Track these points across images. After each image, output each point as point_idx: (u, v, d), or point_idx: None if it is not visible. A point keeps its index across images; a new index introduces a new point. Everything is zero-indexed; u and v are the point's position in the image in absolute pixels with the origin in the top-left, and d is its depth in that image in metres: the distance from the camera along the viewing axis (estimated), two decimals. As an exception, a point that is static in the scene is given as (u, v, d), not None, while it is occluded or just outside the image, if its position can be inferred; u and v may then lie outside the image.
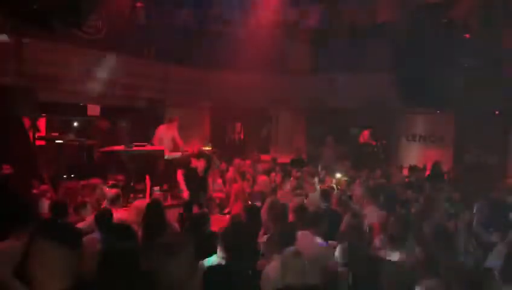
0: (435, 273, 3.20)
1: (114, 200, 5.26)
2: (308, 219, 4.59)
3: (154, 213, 4.47)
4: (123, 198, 6.29)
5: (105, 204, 5.21)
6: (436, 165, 10.14)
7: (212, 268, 3.43)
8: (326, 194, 6.13)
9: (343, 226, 4.77)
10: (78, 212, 5.08)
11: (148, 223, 4.34)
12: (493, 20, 9.19)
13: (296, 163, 10.86)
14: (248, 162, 10.26)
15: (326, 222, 4.63)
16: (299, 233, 4.13)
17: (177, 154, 8.78)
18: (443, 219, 5.29)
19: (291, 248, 3.32)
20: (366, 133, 11.86)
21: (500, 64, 9.15)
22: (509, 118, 10.64)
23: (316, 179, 8.38)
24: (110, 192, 5.54)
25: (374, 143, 11.77)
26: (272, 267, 3.47)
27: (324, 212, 5.14)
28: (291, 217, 5.08)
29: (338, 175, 9.15)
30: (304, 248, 3.87)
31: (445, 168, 10.60)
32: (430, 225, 4.32)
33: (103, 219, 4.24)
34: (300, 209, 5.00)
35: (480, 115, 10.61)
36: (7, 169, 6.46)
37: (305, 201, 6.20)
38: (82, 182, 7.00)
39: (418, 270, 3.38)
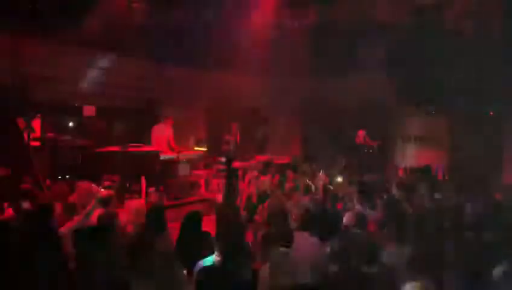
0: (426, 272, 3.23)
1: (106, 202, 5.18)
2: (306, 220, 4.60)
3: (155, 215, 4.47)
4: (118, 199, 6.27)
5: (93, 204, 5.13)
6: (427, 168, 10.24)
7: (205, 269, 3.42)
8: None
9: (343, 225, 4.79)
10: (67, 212, 5.03)
11: (148, 225, 4.34)
12: (490, 20, 9.26)
13: (292, 167, 10.88)
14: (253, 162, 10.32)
15: (323, 222, 4.65)
16: (296, 233, 4.13)
17: (173, 155, 8.77)
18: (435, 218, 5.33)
19: (281, 248, 3.32)
20: (361, 134, 11.89)
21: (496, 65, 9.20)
22: (504, 119, 10.70)
23: (311, 180, 8.40)
24: (102, 193, 5.45)
25: (369, 144, 11.80)
26: (267, 268, 3.48)
27: (322, 213, 5.17)
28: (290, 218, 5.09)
29: (334, 175, 9.17)
30: (301, 248, 3.89)
31: (440, 168, 10.67)
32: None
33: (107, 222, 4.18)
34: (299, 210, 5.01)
35: (475, 116, 10.67)
36: (2, 171, 6.41)
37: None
38: (76, 183, 6.97)
39: (410, 268, 3.41)
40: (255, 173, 9.16)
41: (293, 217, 5.08)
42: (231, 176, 7.15)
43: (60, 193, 5.98)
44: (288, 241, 3.78)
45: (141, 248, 3.37)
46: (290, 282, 2.94)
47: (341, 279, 3.40)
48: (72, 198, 5.92)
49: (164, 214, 4.65)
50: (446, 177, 10.51)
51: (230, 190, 6.94)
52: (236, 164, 8.86)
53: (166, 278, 3.14)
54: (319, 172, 9.39)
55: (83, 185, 6.14)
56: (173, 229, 4.63)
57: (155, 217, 4.46)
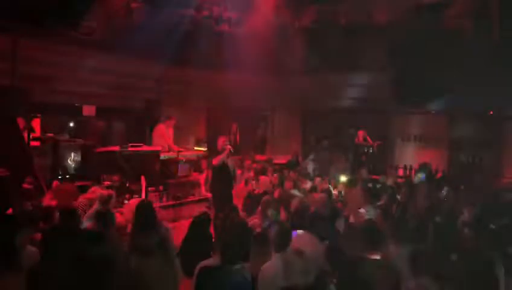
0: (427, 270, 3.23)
1: (106, 202, 5.21)
2: (305, 219, 4.61)
3: (144, 213, 4.44)
4: (118, 198, 6.28)
5: (97, 205, 5.15)
6: (425, 166, 10.24)
7: (205, 269, 3.42)
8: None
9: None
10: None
11: (138, 223, 4.32)
12: (489, 20, 9.26)
13: (292, 164, 10.90)
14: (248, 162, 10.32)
15: (323, 222, 4.65)
16: (296, 233, 4.13)
17: (172, 155, 8.78)
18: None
19: (294, 247, 3.30)
20: (361, 134, 11.89)
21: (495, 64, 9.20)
22: (503, 117, 10.71)
23: (310, 180, 8.42)
24: (103, 193, 5.48)
25: (369, 143, 11.81)
26: (270, 267, 3.45)
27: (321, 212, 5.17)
28: (287, 217, 5.10)
29: (335, 176, 9.19)
30: (300, 247, 3.88)
31: (440, 168, 10.67)
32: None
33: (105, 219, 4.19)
34: (298, 209, 5.02)
35: (474, 115, 10.69)
36: (2, 172, 6.42)
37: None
38: (76, 183, 6.99)
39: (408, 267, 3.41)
40: (252, 173, 9.18)
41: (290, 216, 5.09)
42: (230, 176, 7.17)
43: (63, 194, 6.00)
44: (285, 241, 3.76)
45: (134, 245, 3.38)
46: (303, 281, 2.91)
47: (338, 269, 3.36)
48: (82, 198, 5.94)
49: (152, 210, 4.56)
50: (445, 176, 10.52)
51: (229, 190, 6.96)
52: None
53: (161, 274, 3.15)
54: (318, 175, 9.41)
55: (96, 189, 6.18)
56: (173, 228, 4.65)
57: (141, 214, 4.39)
